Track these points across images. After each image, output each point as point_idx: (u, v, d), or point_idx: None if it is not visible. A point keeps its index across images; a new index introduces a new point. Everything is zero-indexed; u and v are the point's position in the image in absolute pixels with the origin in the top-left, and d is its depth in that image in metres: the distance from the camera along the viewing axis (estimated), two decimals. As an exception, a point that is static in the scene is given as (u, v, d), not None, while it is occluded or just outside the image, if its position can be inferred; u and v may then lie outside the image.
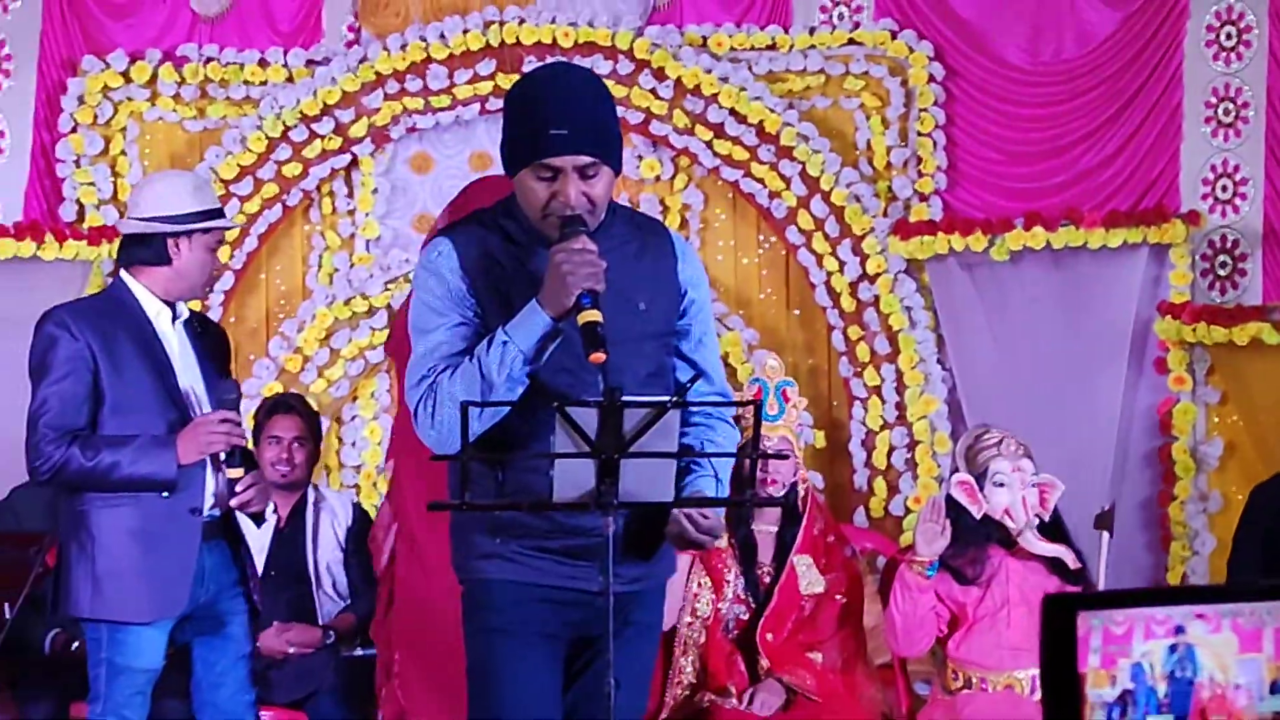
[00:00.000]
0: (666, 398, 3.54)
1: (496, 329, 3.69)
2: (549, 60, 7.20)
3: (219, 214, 5.24)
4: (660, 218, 7.49)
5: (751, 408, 3.88)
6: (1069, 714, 1.36)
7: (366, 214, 7.61)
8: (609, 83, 6.32)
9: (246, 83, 7.59)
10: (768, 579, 5.48)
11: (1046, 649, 1.39)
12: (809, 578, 5.51)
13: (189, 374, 5.02)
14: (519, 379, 3.63)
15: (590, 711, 3.79)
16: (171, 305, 5.00)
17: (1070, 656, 1.35)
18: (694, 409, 3.79)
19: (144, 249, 4.99)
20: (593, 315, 3.44)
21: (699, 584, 5.49)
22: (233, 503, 5.00)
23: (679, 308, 3.89)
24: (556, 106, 3.71)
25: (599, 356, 3.41)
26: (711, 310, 4.16)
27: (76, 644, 5.92)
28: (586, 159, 3.63)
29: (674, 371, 3.89)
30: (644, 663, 4.11)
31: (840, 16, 7.77)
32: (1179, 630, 1.31)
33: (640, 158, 7.74)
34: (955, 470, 5.52)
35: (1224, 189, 7.65)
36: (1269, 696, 1.38)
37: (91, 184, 7.53)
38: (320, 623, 6.38)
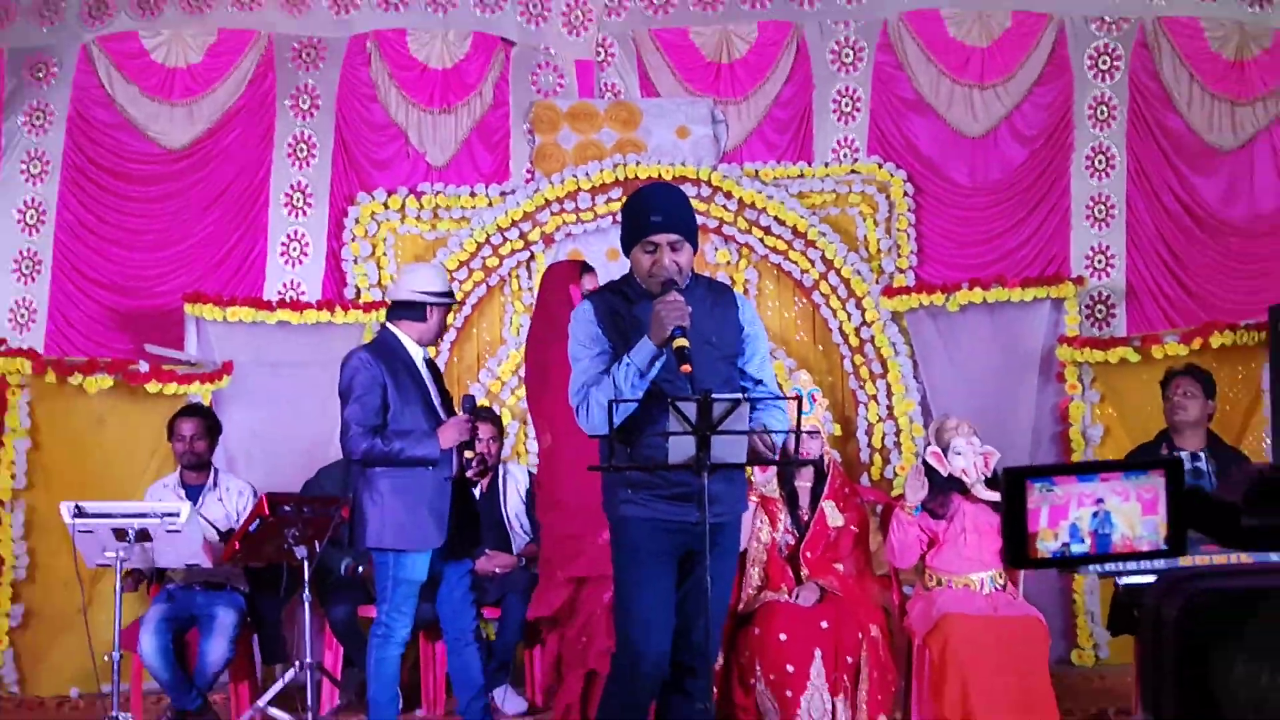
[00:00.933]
0: (740, 395, 4.40)
1: (622, 356, 4.44)
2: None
3: (452, 295, 6.28)
4: None
5: (795, 403, 4.47)
6: (1024, 557, 1.41)
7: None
8: (695, 202, 8.10)
9: (462, 207, 8.87)
10: (806, 517, 6.32)
11: (1007, 515, 1.43)
12: (833, 516, 6.34)
13: (434, 392, 5.98)
14: (639, 386, 4.37)
15: (694, 601, 4.49)
16: (420, 344, 6.02)
17: (1023, 523, 1.38)
18: (757, 402, 4.55)
19: (409, 311, 5.96)
20: (681, 342, 4.20)
21: (760, 521, 6.30)
22: (469, 474, 5.96)
23: (740, 339, 4.69)
24: (654, 202, 4.57)
25: (686, 368, 4.18)
26: (766, 340, 4.95)
27: (362, 568, 6.93)
28: (674, 236, 4.46)
29: (740, 380, 4.69)
30: (728, 570, 4.79)
31: (844, 155, 9.09)
32: (1100, 500, 1.34)
33: (716, 249, 8.98)
34: (928, 445, 6.45)
35: (1099, 262, 9.08)
36: (1164, 547, 1.38)
37: (365, 275, 8.80)
38: (514, 552, 7.47)
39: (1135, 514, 1.31)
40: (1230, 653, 1.15)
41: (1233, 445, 7.54)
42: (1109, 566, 6.60)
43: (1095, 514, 1.32)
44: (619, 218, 5.04)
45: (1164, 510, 1.30)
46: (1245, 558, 3.29)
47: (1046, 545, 1.32)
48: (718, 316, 4.62)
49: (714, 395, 4.16)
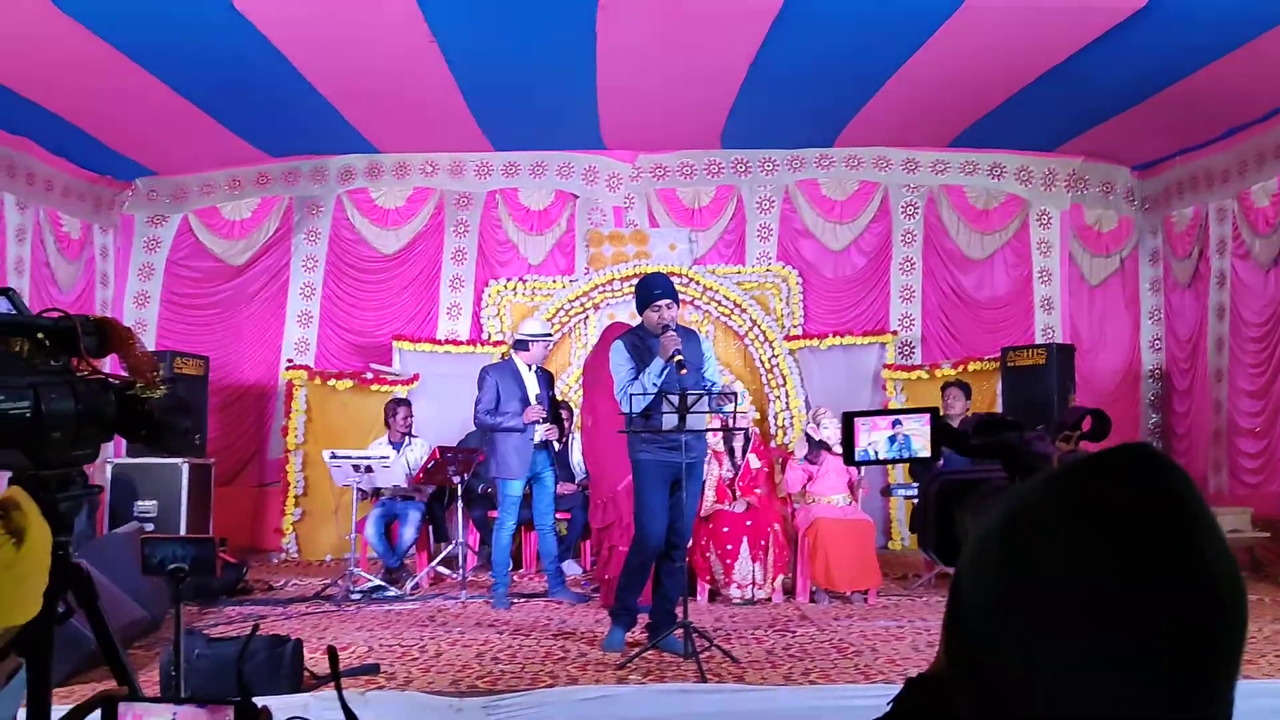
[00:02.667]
0: (704, 391, 4.45)
1: (640, 371, 4.50)
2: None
3: (548, 335, 6.41)
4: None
5: (733, 397, 4.81)
6: (850, 458, 1.29)
7: (593, 334, 8.47)
8: (678, 286, 8.23)
9: (548, 289, 8.90)
10: (739, 463, 6.29)
11: (844, 434, 1.28)
12: (754, 462, 6.30)
13: (533, 388, 6.00)
14: (654, 387, 4.42)
15: (679, 508, 4.48)
16: (529, 366, 6.09)
17: (851, 439, 1.28)
18: (711, 390, 4.52)
19: (520, 345, 6.12)
20: (678, 358, 4.36)
21: (713, 465, 6.11)
22: (548, 437, 6.06)
23: (702, 358, 4.66)
24: (659, 281, 4.63)
25: (683, 371, 4.34)
26: (716, 359, 4.98)
27: (491, 489, 6.74)
28: (669, 300, 4.53)
29: (702, 382, 4.57)
30: (697, 490, 4.89)
31: (764, 260, 9.04)
32: (896, 424, 1.25)
33: (690, 313, 8.83)
34: (808, 423, 6.56)
35: (906, 322, 9.03)
36: (928, 455, 1.27)
37: (493, 326, 8.86)
38: (574, 482, 7.33)
39: (915, 433, 1.30)
40: (963, 512, 1.17)
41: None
42: (911, 490, 6.75)
43: (893, 436, 1.32)
44: (634, 292, 4.93)
45: (929, 435, 1.30)
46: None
47: (860, 453, 1.33)
48: (691, 346, 4.62)
49: (688, 392, 4.27)
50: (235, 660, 3.65)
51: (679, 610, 4.30)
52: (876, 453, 1.34)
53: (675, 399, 4.24)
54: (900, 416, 1.34)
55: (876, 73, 7.23)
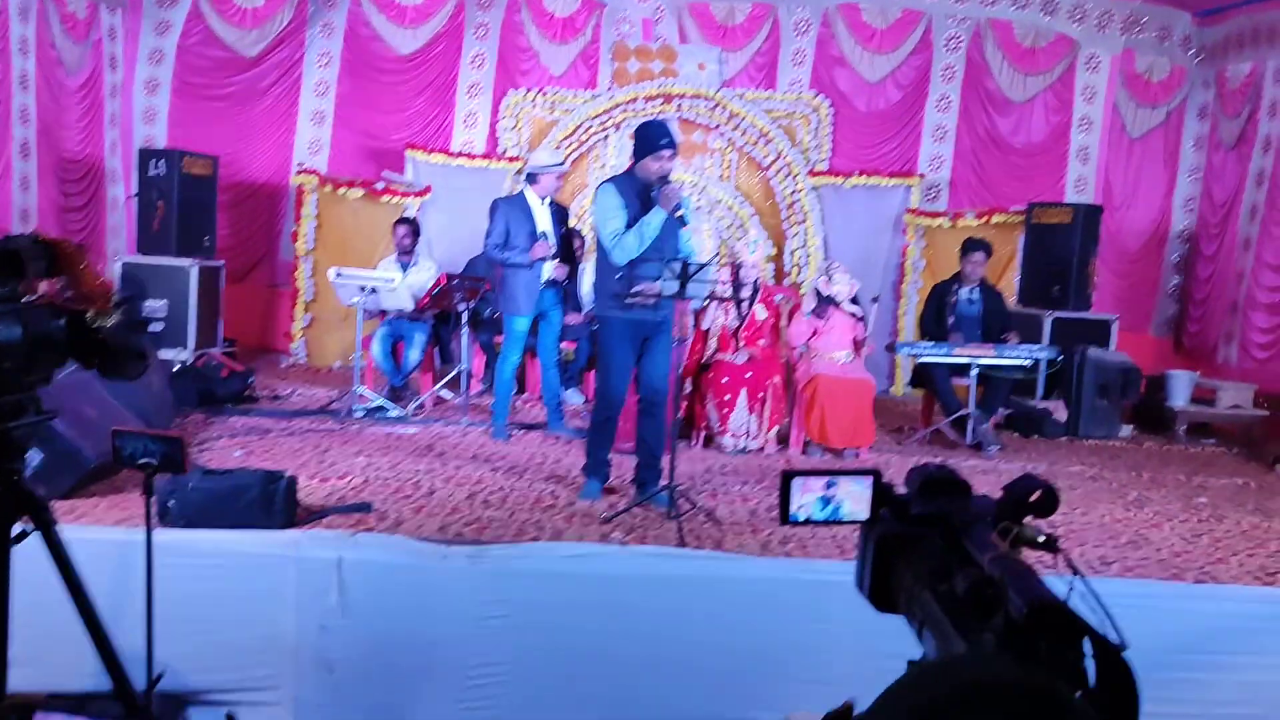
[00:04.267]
0: (708, 262, 4.35)
1: (640, 218, 4.25)
2: (666, 107, 8.42)
3: (561, 164, 6.00)
4: (718, 170, 8.55)
5: (732, 268, 5.36)
6: (785, 519, 1.25)
7: (612, 155, 8.47)
8: (702, 111, 8.27)
9: (569, 102, 8.56)
10: (744, 312, 6.13)
11: (781, 498, 1.25)
12: (760, 313, 6.15)
13: (543, 223, 5.73)
14: (650, 237, 4.28)
15: (651, 364, 4.44)
16: (541, 198, 5.76)
17: (788, 499, 1.23)
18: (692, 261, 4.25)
19: (532, 179, 5.79)
20: (680, 212, 4.29)
21: (720, 312, 6.08)
22: (555, 275, 5.84)
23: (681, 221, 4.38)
24: (663, 130, 4.41)
25: (686, 227, 4.33)
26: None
27: (498, 315, 6.35)
28: (673, 152, 4.35)
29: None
30: (668, 345, 4.51)
31: (795, 87, 8.72)
32: (830, 486, 1.21)
33: (714, 141, 8.57)
34: (820, 277, 6.29)
35: (935, 165, 8.77)
36: (867, 518, 1.23)
37: (511, 139, 8.54)
38: (582, 313, 7.12)
39: (853, 495, 1.26)
40: (903, 564, 1.19)
41: (994, 284, 7.34)
42: (917, 349, 6.67)
43: (827, 499, 1.28)
44: (633, 137, 4.63)
45: (869, 497, 1.26)
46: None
47: (795, 514, 1.29)
48: (681, 207, 4.45)
49: (688, 261, 4.17)
50: (228, 496, 3.73)
51: (664, 467, 4.32)
52: (810, 515, 1.29)
53: (677, 266, 4.11)
54: (838, 478, 1.29)
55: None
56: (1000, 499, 1.27)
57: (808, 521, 1.29)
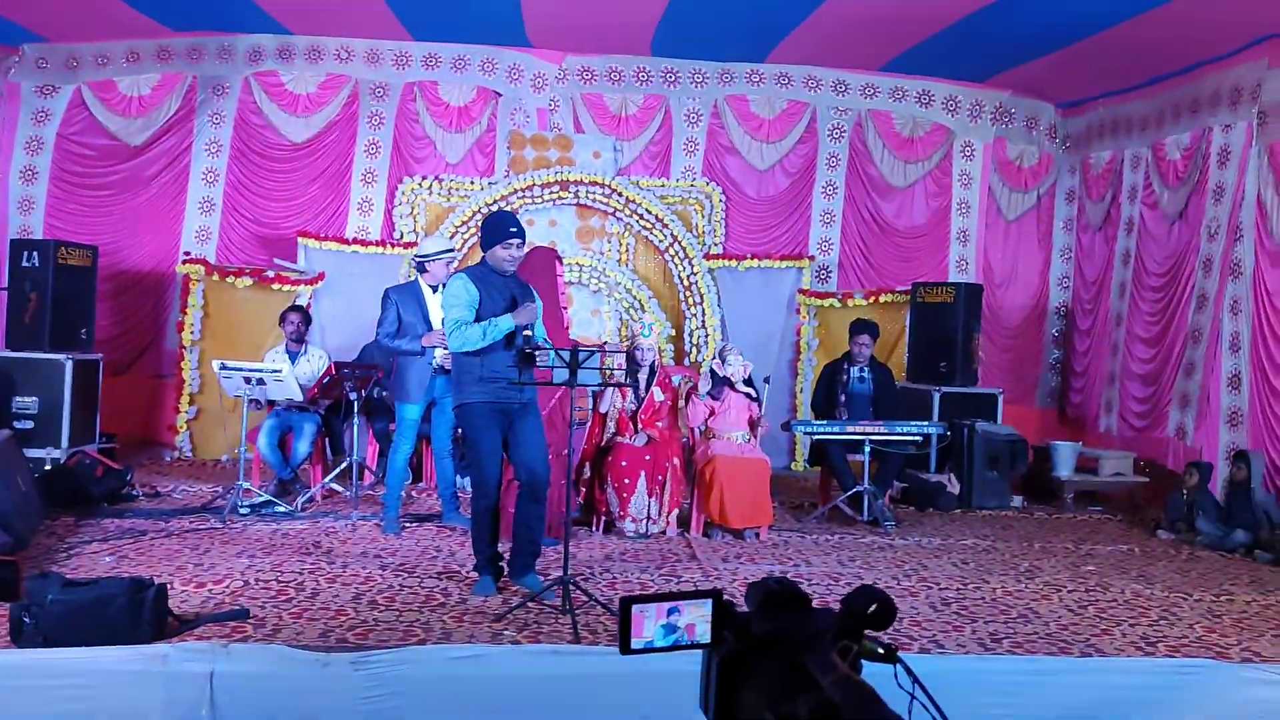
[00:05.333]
0: (597, 349, 4.29)
1: (490, 316, 4.20)
2: (564, 194, 8.39)
3: (450, 251, 5.84)
4: (616, 254, 8.54)
5: (626, 354, 5.28)
6: (627, 648, 1.23)
7: None
8: (599, 198, 8.35)
9: (465, 189, 8.51)
10: (643, 395, 6.08)
11: (621, 623, 1.23)
12: (658, 395, 6.11)
13: (436, 312, 5.47)
14: (497, 339, 4.22)
15: (523, 448, 4.31)
16: (432, 286, 5.62)
17: (628, 628, 1.21)
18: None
19: (421, 267, 5.69)
20: (527, 333, 4.23)
21: (617, 397, 6.03)
22: (444, 364, 5.43)
23: (535, 317, 4.36)
24: (511, 220, 4.40)
25: (528, 333, 4.23)
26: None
27: (386, 394, 6.46)
28: (521, 241, 4.36)
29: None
30: (537, 424, 4.42)
31: (688, 175, 8.82)
32: (672, 612, 1.18)
33: (611, 227, 8.56)
34: (714, 359, 6.31)
35: (825, 247, 8.92)
36: (709, 641, 1.23)
37: (406, 226, 8.45)
38: None
39: (696, 619, 1.27)
40: (746, 686, 1.19)
41: (884, 361, 7.56)
42: (812, 427, 6.69)
43: (669, 625, 1.27)
44: (481, 227, 4.65)
45: (709, 619, 1.26)
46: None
47: (637, 642, 1.28)
48: (526, 294, 4.46)
49: (579, 348, 4.14)
50: (91, 608, 3.47)
51: (545, 549, 4.32)
52: (651, 642, 1.28)
53: (566, 354, 4.09)
54: (680, 602, 1.27)
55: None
56: (840, 613, 1.27)
57: (649, 650, 1.27)
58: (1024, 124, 9.20)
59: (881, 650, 1.27)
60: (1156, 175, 7.99)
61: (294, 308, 7.02)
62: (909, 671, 1.28)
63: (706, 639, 1.26)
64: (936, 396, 7.68)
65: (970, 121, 9.09)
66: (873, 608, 1.28)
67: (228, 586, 4.33)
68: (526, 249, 4.57)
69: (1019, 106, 9.12)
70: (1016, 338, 9.23)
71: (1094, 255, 8.89)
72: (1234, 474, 6.47)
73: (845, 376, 6.89)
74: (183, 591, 4.17)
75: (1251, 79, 6.99)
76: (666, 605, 1.26)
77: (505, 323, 4.26)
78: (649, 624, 1.27)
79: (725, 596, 1.32)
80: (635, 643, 1.27)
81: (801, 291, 8.76)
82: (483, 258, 4.45)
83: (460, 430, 4.61)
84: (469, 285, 4.30)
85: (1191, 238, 7.52)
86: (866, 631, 1.29)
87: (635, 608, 1.26)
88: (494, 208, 8.49)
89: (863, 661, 1.30)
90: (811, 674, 1.12)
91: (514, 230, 4.33)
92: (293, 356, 6.74)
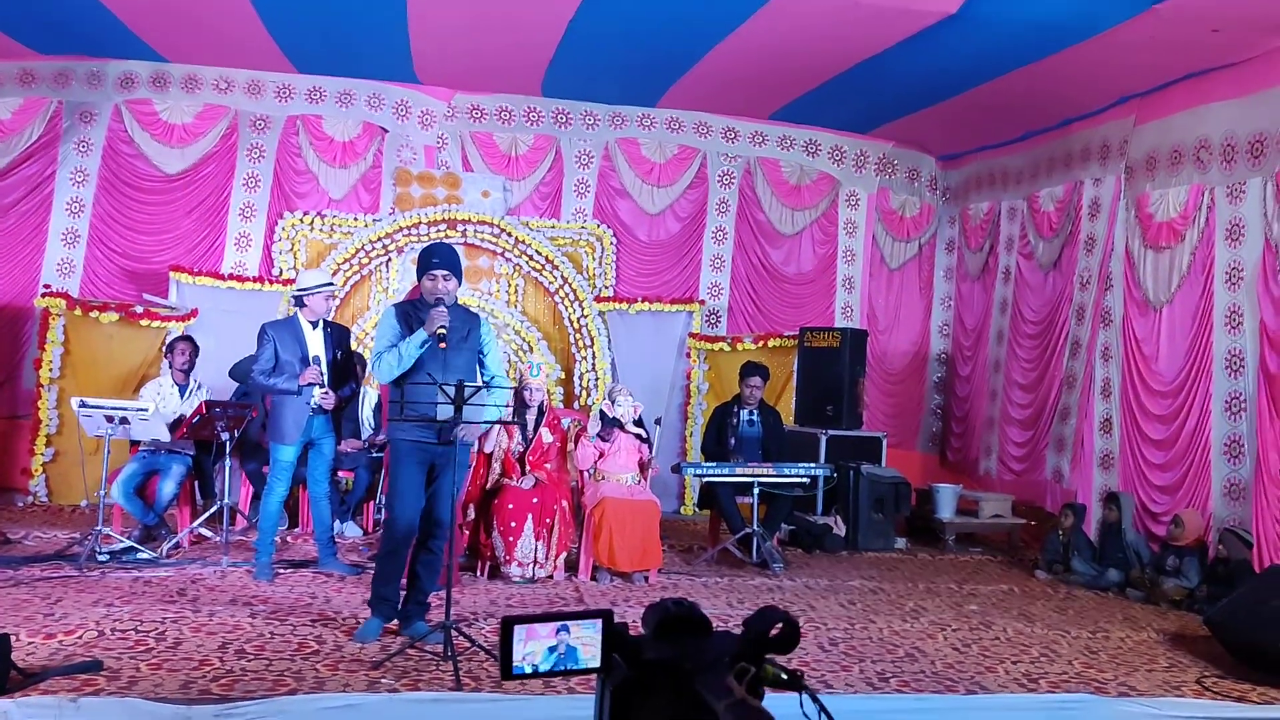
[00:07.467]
0: (480, 383, 4.30)
1: (406, 338, 4.22)
2: (451, 232, 8.32)
3: (329, 284, 5.59)
4: (505, 295, 8.51)
5: (516, 393, 5.10)
6: (508, 674, 1.19)
7: (394, 279, 8.35)
8: (488, 238, 8.31)
9: (349, 226, 8.37)
10: (530, 436, 5.98)
11: (502, 648, 1.18)
12: (546, 436, 6.03)
13: (315, 347, 5.43)
14: (412, 356, 4.20)
15: (437, 497, 4.27)
16: (311, 321, 5.48)
17: (510, 651, 1.15)
18: (491, 381, 4.36)
19: (299, 301, 5.51)
20: (441, 332, 4.16)
21: (503, 437, 5.92)
22: (322, 403, 5.39)
23: (480, 344, 4.43)
24: (436, 251, 4.36)
25: (443, 345, 4.15)
26: (499, 346, 4.69)
27: (257, 431, 6.29)
28: (445, 271, 4.31)
29: (481, 369, 4.45)
30: (461, 477, 4.55)
31: (579, 217, 8.81)
32: (560, 632, 1.15)
33: (500, 266, 8.54)
34: (604, 400, 6.38)
35: (715, 292, 9.01)
36: (598, 665, 1.20)
37: (285, 262, 8.25)
38: (363, 439, 6.82)
39: (583, 641, 1.20)
40: (635, 713, 1.15)
41: (773, 405, 7.67)
42: (701, 469, 6.72)
43: (554, 646, 1.20)
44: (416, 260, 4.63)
45: (599, 641, 1.20)
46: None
47: (520, 667, 1.22)
48: (470, 328, 4.45)
49: (460, 379, 4.08)
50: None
51: (433, 600, 4.20)
52: (535, 666, 1.21)
53: (450, 390, 4.01)
54: (569, 622, 1.21)
55: (697, 44, 7.14)
56: (741, 635, 1.23)
57: (534, 674, 1.21)
58: (906, 175, 9.55)
59: (785, 676, 1.23)
60: (1032, 226, 8.38)
61: (183, 337, 6.72)
62: (815, 699, 1.23)
63: (595, 663, 1.20)
64: (824, 439, 7.80)
65: (855, 171, 9.39)
66: (776, 629, 1.24)
67: (80, 637, 4.06)
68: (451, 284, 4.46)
69: (901, 158, 9.47)
70: (900, 383, 9.49)
71: (973, 303, 9.24)
72: (1106, 515, 6.73)
73: (735, 419, 6.95)
74: (29, 644, 3.90)
75: (1119, 135, 7.42)
76: (554, 625, 1.21)
77: (416, 338, 4.23)
78: (534, 646, 1.21)
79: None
80: (518, 666, 1.21)
81: (692, 335, 8.86)
82: (415, 297, 4.52)
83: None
84: (392, 320, 4.34)
85: (1065, 287, 7.88)
86: (769, 656, 1.25)
87: (518, 628, 1.20)
88: (378, 245, 8.44)
89: (764, 689, 1.26)
90: (706, 700, 1.09)
91: (435, 261, 4.32)
92: (181, 390, 6.45)
